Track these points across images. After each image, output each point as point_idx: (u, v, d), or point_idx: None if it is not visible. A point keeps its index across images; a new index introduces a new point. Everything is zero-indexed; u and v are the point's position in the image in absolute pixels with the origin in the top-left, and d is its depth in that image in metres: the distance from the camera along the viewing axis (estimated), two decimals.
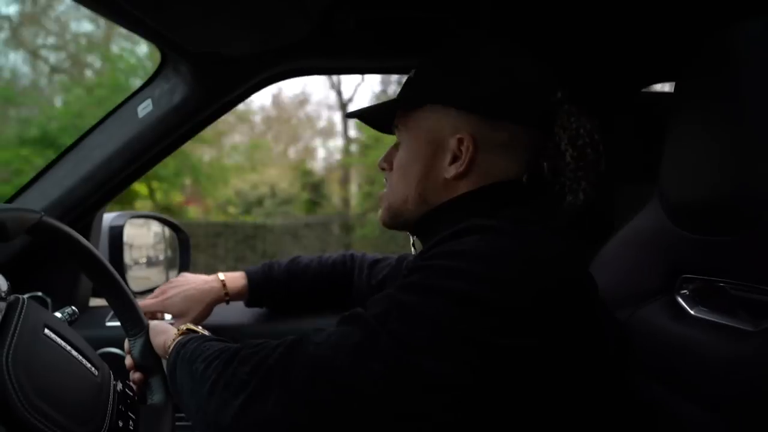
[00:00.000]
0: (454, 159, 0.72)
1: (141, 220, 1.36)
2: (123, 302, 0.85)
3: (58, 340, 0.71)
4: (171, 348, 0.75)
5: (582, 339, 0.58)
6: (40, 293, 1.03)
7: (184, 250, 1.42)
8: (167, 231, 1.43)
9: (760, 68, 0.64)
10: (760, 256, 0.72)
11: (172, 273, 1.45)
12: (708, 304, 0.84)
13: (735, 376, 0.69)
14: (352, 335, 0.54)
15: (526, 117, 0.72)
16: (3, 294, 0.67)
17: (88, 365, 0.74)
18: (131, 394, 0.81)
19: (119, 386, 0.79)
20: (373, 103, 0.84)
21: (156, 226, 1.42)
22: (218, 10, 0.85)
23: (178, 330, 0.79)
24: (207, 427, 0.60)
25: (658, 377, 0.79)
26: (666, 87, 1.24)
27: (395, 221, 0.80)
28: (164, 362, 0.80)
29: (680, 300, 0.87)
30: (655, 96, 1.13)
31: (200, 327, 0.82)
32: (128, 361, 0.86)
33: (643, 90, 1.15)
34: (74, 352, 0.73)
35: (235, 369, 0.59)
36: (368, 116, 0.83)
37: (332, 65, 1.07)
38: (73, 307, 0.88)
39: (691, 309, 0.85)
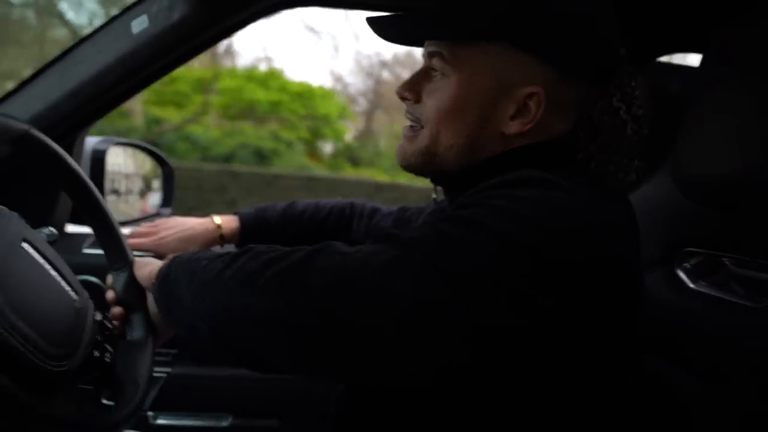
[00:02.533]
0: (518, 113, 0.63)
1: (124, 148, 1.30)
2: (109, 232, 0.80)
3: (37, 256, 0.67)
4: (160, 268, 0.70)
5: (616, 313, 0.56)
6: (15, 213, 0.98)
7: (168, 184, 1.38)
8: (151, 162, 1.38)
9: None
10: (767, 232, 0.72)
11: (152, 205, 1.41)
12: (708, 278, 0.84)
13: (732, 350, 0.70)
14: (385, 253, 0.51)
15: (598, 75, 0.64)
16: None
17: (68, 288, 0.70)
18: (110, 326, 0.77)
19: (98, 317, 0.75)
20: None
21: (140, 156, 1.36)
22: None
23: (167, 259, 0.75)
24: (201, 319, 0.55)
25: (654, 347, 0.79)
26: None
27: (425, 167, 0.69)
28: (149, 296, 0.76)
29: (680, 273, 0.87)
30: (670, 67, 1.10)
31: None
32: (110, 295, 0.81)
33: (658, 60, 1.12)
34: (53, 272, 0.68)
35: (245, 262, 0.54)
36: (395, 29, 0.69)
37: None
38: (52, 228, 0.83)
39: (691, 283, 0.85)
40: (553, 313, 0.50)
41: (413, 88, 0.69)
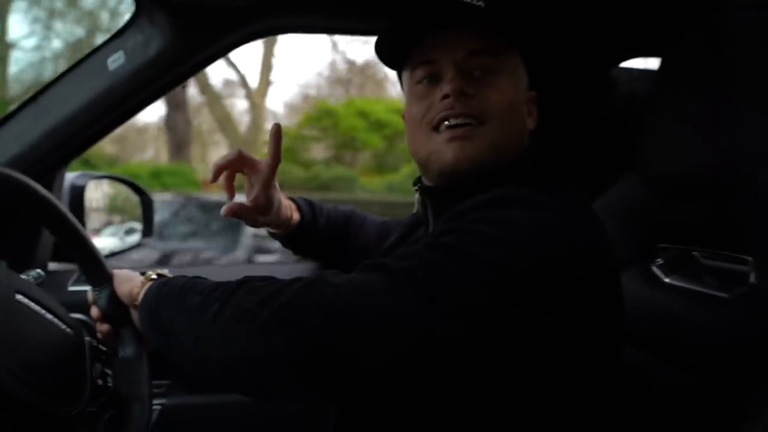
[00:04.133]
0: (528, 112, 0.75)
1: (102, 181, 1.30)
2: (87, 253, 0.80)
3: (32, 304, 0.67)
4: (143, 291, 0.70)
5: (604, 322, 0.59)
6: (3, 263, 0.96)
7: (148, 213, 1.37)
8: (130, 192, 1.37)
9: (752, 48, 0.67)
10: (736, 225, 0.76)
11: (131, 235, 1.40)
12: (680, 272, 0.88)
13: (706, 339, 0.74)
14: (377, 283, 0.51)
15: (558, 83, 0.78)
16: None
17: (63, 326, 0.70)
18: (104, 348, 0.78)
19: (93, 342, 0.76)
20: None
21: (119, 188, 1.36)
22: None
23: (146, 276, 0.74)
24: (208, 361, 0.56)
25: (634, 342, 0.83)
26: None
27: (488, 166, 0.67)
28: (132, 312, 0.76)
29: (654, 269, 0.91)
30: (632, 72, 1.16)
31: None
32: (95, 312, 0.81)
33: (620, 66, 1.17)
34: (48, 315, 0.69)
35: (240, 298, 0.54)
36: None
37: (319, 24, 1.03)
38: (39, 270, 0.83)
39: (665, 277, 0.89)
40: (546, 331, 0.53)
41: (473, 83, 0.67)
